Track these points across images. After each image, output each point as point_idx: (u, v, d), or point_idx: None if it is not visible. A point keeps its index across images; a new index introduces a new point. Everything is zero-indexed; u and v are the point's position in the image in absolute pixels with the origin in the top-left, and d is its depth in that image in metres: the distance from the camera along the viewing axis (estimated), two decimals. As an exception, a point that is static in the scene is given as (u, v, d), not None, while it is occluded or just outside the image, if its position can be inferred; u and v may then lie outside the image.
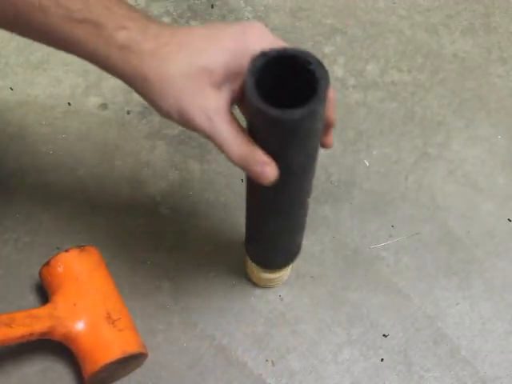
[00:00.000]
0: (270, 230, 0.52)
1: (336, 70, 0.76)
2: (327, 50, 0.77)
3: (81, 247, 0.58)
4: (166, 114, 0.40)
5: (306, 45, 0.77)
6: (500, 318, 0.63)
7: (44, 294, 0.60)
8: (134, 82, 0.40)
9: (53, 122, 0.71)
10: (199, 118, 0.39)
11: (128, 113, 0.72)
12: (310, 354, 0.61)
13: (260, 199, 0.47)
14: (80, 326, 0.54)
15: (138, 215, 0.66)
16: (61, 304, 0.55)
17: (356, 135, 0.72)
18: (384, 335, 0.62)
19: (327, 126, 0.44)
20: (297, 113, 0.35)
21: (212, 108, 0.39)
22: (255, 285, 0.63)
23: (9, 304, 0.62)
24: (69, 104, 0.72)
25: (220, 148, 0.40)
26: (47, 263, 0.57)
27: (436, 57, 0.78)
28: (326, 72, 0.37)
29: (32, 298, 0.62)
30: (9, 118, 0.71)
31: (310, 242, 0.65)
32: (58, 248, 0.64)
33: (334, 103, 0.43)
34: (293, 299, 0.63)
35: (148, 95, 0.40)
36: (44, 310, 0.55)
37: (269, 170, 0.40)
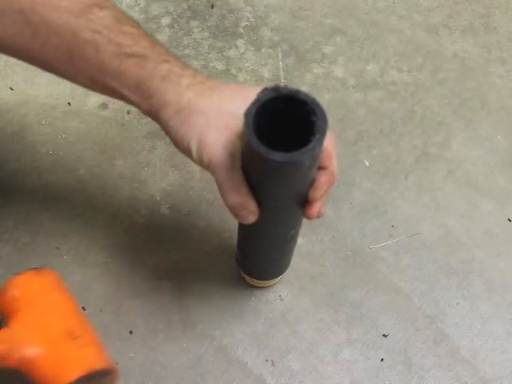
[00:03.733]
0: (258, 254, 0.53)
1: (336, 70, 0.76)
2: (327, 49, 0.77)
3: (35, 269, 0.55)
4: (186, 145, 0.42)
5: (306, 45, 0.77)
6: (500, 317, 0.63)
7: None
8: (167, 111, 0.42)
9: (53, 122, 0.71)
10: (217, 157, 0.41)
11: (128, 113, 0.72)
12: (310, 354, 0.61)
13: (247, 227, 0.48)
14: (37, 349, 0.50)
15: (138, 215, 0.66)
16: (16, 328, 0.51)
17: (356, 135, 0.72)
18: (384, 335, 0.62)
19: (311, 199, 0.43)
20: (280, 156, 0.35)
21: (232, 153, 0.41)
22: (255, 285, 0.63)
23: (9, 304, 0.62)
24: (69, 104, 0.72)
25: (220, 190, 0.42)
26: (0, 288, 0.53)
27: (436, 57, 0.78)
28: (324, 128, 0.36)
29: (32, 297, 0.62)
30: (9, 117, 0.71)
31: (310, 242, 0.65)
32: (57, 248, 0.64)
33: (330, 155, 0.42)
34: (293, 299, 0.63)
35: (176, 125, 0.42)
36: None
37: (252, 218, 0.43)
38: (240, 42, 0.77)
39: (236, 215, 0.43)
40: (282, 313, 0.63)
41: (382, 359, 0.61)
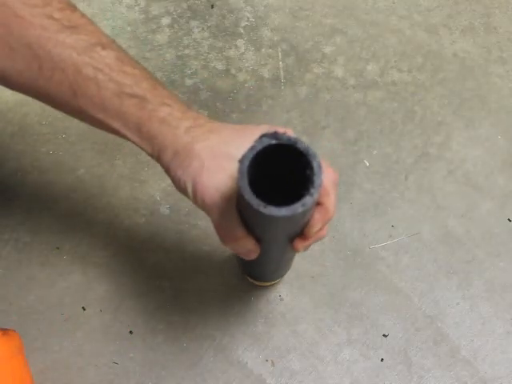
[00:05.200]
0: (258, 265, 0.53)
1: (336, 70, 0.76)
2: (327, 49, 0.77)
3: (3, 330, 0.54)
4: (183, 187, 0.43)
5: (306, 45, 0.77)
6: (500, 317, 0.63)
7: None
8: (166, 154, 0.43)
9: (53, 122, 0.71)
10: (210, 199, 0.42)
11: (128, 113, 0.72)
12: (310, 354, 0.61)
13: None
14: None
15: (138, 215, 0.66)
16: None
17: (356, 135, 0.72)
18: (384, 335, 0.62)
19: (305, 235, 0.42)
20: (272, 211, 0.34)
21: (226, 196, 0.41)
22: (255, 285, 0.63)
23: (9, 304, 0.62)
24: (69, 104, 0.72)
25: (216, 232, 0.43)
26: None
27: (436, 57, 0.78)
28: (318, 183, 0.35)
29: (32, 298, 0.62)
30: (9, 117, 0.71)
31: (310, 241, 0.65)
32: (57, 248, 0.64)
33: (327, 193, 0.42)
34: (293, 299, 0.63)
35: (174, 168, 0.43)
36: None
37: (252, 255, 0.43)
38: (240, 42, 0.77)
39: (236, 252, 0.44)
40: (281, 313, 0.63)
41: (382, 359, 0.61)
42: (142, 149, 0.45)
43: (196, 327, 0.61)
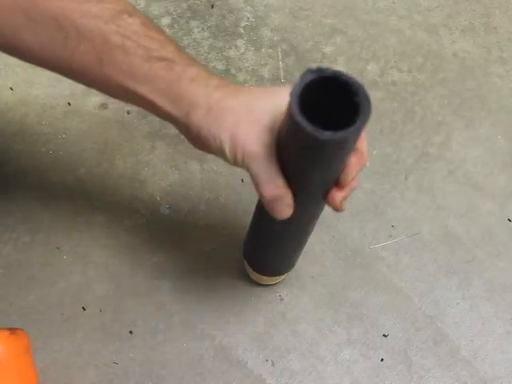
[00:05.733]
0: (275, 246, 0.53)
1: (336, 70, 0.76)
2: (327, 49, 0.77)
3: (11, 330, 0.54)
4: (218, 144, 0.43)
5: (306, 45, 0.77)
6: (500, 317, 0.63)
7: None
8: (197, 112, 0.43)
9: (53, 122, 0.71)
10: (251, 149, 0.41)
11: (128, 113, 0.72)
12: (310, 354, 0.61)
13: (269, 218, 0.48)
14: None
15: (138, 215, 0.66)
16: None
17: (356, 135, 0.72)
18: (384, 335, 0.62)
19: (342, 182, 0.43)
20: (328, 135, 0.35)
21: (266, 145, 0.41)
22: (255, 285, 0.63)
23: (9, 304, 0.62)
24: (69, 104, 0.72)
25: (255, 183, 0.43)
26: None
27: (436, 57, 0.78)
28: (367, 108, 0.36)
29: (32, 298, 0.62)
30: (9, 117, 0.71)
31: (310, 242, 0.65)
32: (57, 248, 0.64)
33: (361, 136, 0.42)
34: (293, 299, 0.63)
35: (207, 125, 0.43)
36: None
37: (288, 212, 0.43)
38: (240, 42, 0.77)
39: (272, 209, 0.43)
40: (282, 313, 0.63)
41: (382, 359, 0.61)
42: (167, 114, 0.44)
43: (196, 327, 0.61)
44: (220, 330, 0.61)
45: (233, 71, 0.75)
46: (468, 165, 0.71)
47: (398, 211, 0.68)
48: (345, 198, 0.44)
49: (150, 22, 0.45)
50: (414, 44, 0.78)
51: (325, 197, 0.43)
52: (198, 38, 0.77)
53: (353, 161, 0.41)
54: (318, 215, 0.49)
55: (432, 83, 0.76)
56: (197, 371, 0.60)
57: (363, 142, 0.43)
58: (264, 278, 0.61)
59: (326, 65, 0.76)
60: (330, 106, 0.39)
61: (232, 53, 0.76)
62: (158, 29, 0.46)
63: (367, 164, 0.44)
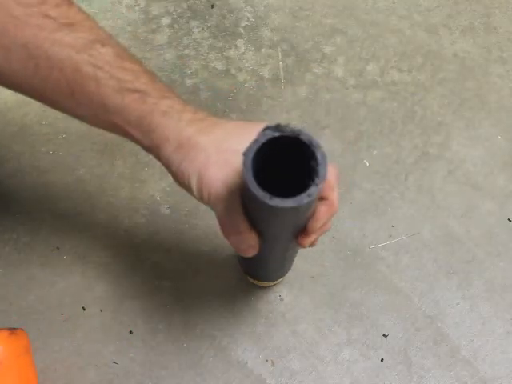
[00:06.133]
0: (259, 264, 0.53)
1: (336, 70, 0.76)
2: (327, 49, 0.77)
3: (11, 330, 0.54)
4: (186, 181, 0.43)
5: (306, 45, 0.77)
6: (500, 317, 0.63)
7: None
8: (168, 147, 0.43)
9: (53, 122, 0.71)
10: (216, 192, 0.41)
11: (128, 113, 0.72)
12: (310, 354, 0.61)
13: None
14: None
15: (138, 215, 0.66)
16: None
17: (356, 135, 0.72)
18: (384, 335, 0.62)
19: (309, 229, 0.42)
20: (277, 202, 0.34)
21: (231, 189, 0.41)
22: (255, 285, 0.63)
23: (9, 304, 0.62)
24: (69, 104, 0.72)
25: (219, 225, 0.43)
26: None
27: (436, 57, 0.78)
28: (323, 174, 0.35)
29: (32, 298, 0.62)
30: (9, 117, 0.71)
31: (310, 241, 0.65)
32: (57, 248, 0.64)
33: (331, 187, 0.42)
34: (293, 299, 0.63)
35: (177, 161, 0.43)
36: None
37: (252, 252, 0.43)
38: (240, 42, 0.77)
39: (236, 250, 0.44)
40: (282, 313, 0.63)
41: (382, 359, 0.61)
42: (141, 144, 0.45)
43: (196, 327, 0.61)
44: (220, 330, 0.61)
45: (233, 71, 0.75)
46: (468, 165, 0.71)
47: (398, 211, 0.68)
48: (315, 241, 0.44)
49: (124, 52, 0.45)
50: (414, 44, 0.78)
51: (295, 237, 0.43)
52: (197, 38, 0.77)
53: (322, 210, 0.41)
54: (294, 247, 0.49)
55: (432, 83, 0.76)
56: (197, 371, 0.60)
57: (333, 192, 0.42)
58: (259, 282, 0.61)
59: (325, 64, 0.76)
60: (293, 162, 0.38)
61: (232, 53, 0.76)
62: (133, 59, 0.45)
63: (337, 212, 0.43)
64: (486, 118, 0.74)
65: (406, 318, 0.63)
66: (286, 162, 0.39)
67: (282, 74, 0.75)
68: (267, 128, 0.36)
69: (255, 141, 0.36)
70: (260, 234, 0.42)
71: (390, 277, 0.65)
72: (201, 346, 0.61)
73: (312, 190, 0.35)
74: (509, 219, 0.68)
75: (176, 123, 0.42)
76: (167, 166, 0.44)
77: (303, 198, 0.34)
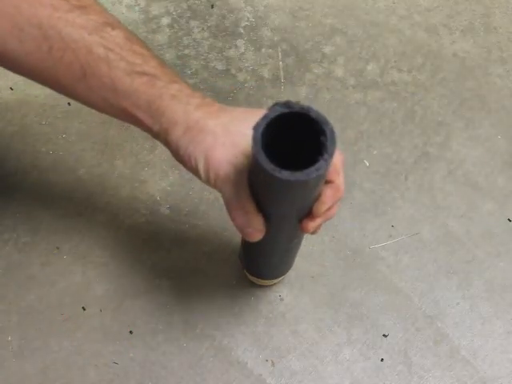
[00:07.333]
0: (262, 258, 0.53)
1: (336, 70, 0.76)
2: (327, 49, 0.77)
3: None
4: (193, 163, 0.43)
5: (306, 45, 0.77)
6: (500, 317, 0.63)
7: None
8: (176, 130, 0.43)
9: (53, 122, 0.71)
10: (223, 173, 0.41)
11: (128, 113, 0.72)
12: (310, 354, 0.61)
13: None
14: None
15: (138, 215, 0.66)
16: None
17: (356, 135, 0.72)
18: (384, 335, 0.62)
19: (314, 213, 0.42)
20: (286, 175, 0.35)
21: (238, 170, 0.41)
22: (255, 285, 0.63)
23: (9, 304, 0.62)
24: (69, 104, 0.72)
25: (226, 207, 0.43)
26: None
27: (436, 57, 0.78)
28: (332, 150, 0.35)
29: (32, 298, 0.62)
30: (9, 117, 0.71)
31: (309, 241, 0.65)
32: (57, 248, 0.64)
33: (337, 171, 0.42)
34: (293, 299, 0.63)
35: (184, 144, 0.43)
36: None
37: (258, 236, 0.43)
38: (240, 42, 0.77)
39: (242, 233, 0.44)
40: (282, 313, 0.63)
41: (382, 359, 0.61)
42: (149, 129, 0.45)
43: (196, 327, 0.61)
44: (220, 330, 0.61)
45: (233, 71, 0.75)
46: (468, 165, 0.71)
47: (398, 211, 0.68)
48: (318, 227, 0.44)
49: (134, 36, 0.45)
50: (414, 44, 0.78)
51: (299, 221, 0.43)
52: (198, 37, 0.77)
53: (328, 193, 0.41)
54: (299, 235, 0.49)
55: (432, 83, 0.76)
56: (197, 371, 0.60)
57: (339, 176, 0.42)
58: (260, 280, 0.61)
59: (325, 64, 0.76)
60: (301, 140, 0.38)
61: (232, 53, 0.76)
62: (142, 43, 0.45)
63: (343, 196, 0.43)
64: (485, 118, 0.74)
65: (406, 318, 0.63)
66: (294, 141, 0.39)
67: (282, 73, 0.75)
68: (277, 104, 0.36)
69: (265, 116, 0.36)
70: (266, 217, 0.42)
71: (389, 277, 0.65)
72: (201, 346, 0.61)
73: (321, 163, 0.35)
74: (509, 219, 0.68)
75: (184, 107, 0.43)
76: (175, 150, 0.44)
77: (312, 172, 0.35)
